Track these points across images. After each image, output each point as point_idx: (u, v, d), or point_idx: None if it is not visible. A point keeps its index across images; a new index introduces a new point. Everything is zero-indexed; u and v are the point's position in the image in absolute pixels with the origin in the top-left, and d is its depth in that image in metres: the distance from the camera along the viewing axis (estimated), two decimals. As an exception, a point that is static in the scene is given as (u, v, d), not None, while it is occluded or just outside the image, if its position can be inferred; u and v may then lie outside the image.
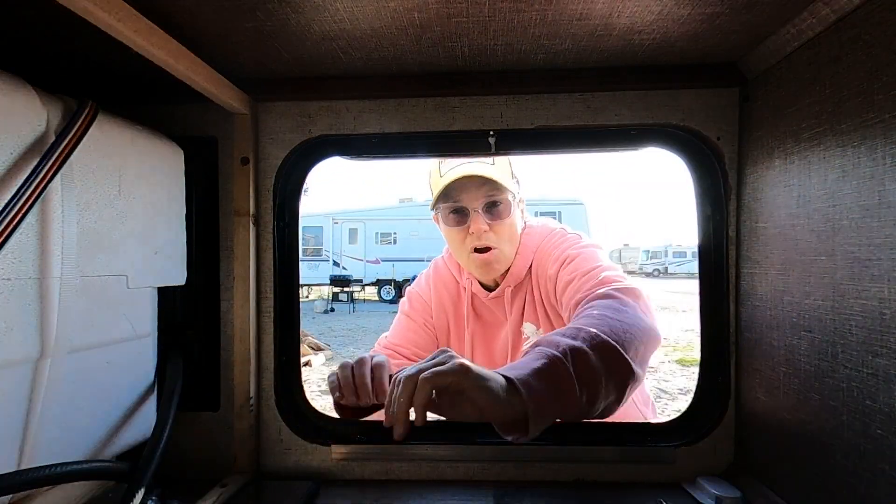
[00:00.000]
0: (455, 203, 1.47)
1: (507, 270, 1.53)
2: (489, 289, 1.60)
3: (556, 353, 0.88)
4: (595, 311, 1.04)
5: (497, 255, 1.48)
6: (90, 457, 0.88)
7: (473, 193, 1.45)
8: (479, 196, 1.45)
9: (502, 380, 0.84)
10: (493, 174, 1.43)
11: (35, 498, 0.82)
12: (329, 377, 1.12)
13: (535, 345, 0.94)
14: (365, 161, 1.28)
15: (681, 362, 8.31)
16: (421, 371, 0.84)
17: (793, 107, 0.89)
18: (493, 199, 1.45)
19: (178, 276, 1.08)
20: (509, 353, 1.57)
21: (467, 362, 0.84)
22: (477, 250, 1.47)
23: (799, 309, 0.88)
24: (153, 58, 0.83)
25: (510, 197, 1.47)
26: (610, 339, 0.93)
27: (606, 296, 1.11)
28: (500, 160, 1.49)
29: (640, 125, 1.11)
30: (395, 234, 21.32)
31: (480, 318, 1.64)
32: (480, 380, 0.82)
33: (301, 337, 1.33)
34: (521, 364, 0.89)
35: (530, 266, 1.53)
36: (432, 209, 1.56)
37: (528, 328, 1.53)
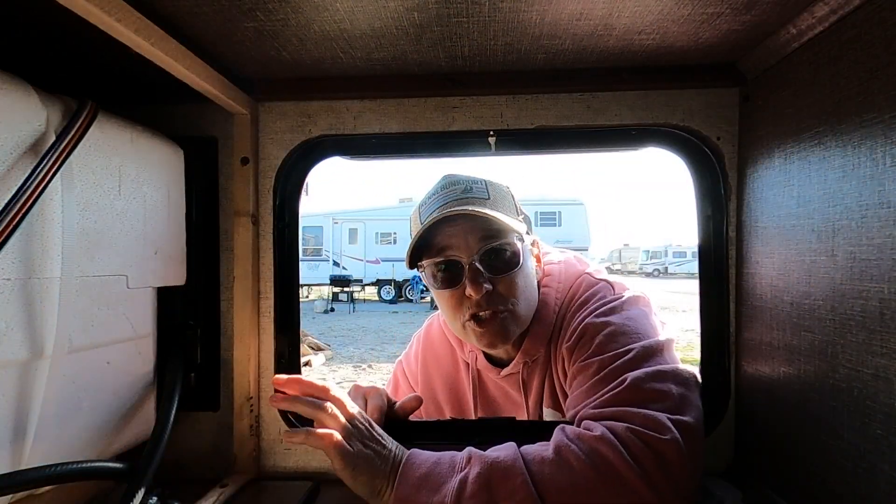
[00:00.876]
0: (441, 257, 1.08)
1: (522, 336, 1.13)
2: (499, 363, 1.21)
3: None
4: (560, 469, 0.80)
5: (506, 322, 1.07)
6: (90, 457, 0.88)
7: (465, 240, 1.06)
8: (473, 243, 1.06)
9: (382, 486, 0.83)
10: (488, 210, 1.05)
11: (35, 498, 0.82)
12: None
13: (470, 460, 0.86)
14: (365, 161, 1.28)
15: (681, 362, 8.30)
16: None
17: (793, 107, 0.89)
18: (492, 246, 1.05)
19: (178, 276, 1.08)
20: None
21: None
22: (475, 318, 1.07)
23: (799, 309, 0.88)
24: (153, 58, 0.83)
25: (516, 239, 1.08)
26: None
27: (595, 452, 0.80)
28: (499, 191, 1.14)
29: (640, 125, 1.11)
30: (395, 234, 21.33)
31: (490, 402, 1.28)
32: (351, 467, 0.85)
33: (301, 337, 1.33)
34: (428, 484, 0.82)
35: (551, 334, 1.13)
36: (413, 267, 1.16)
37: (549, 415, 1.17)
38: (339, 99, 1.14)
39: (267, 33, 0.91)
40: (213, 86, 0.98)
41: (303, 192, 1.21)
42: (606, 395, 0.87)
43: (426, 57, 1.01)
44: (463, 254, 1.06)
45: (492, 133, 1.13)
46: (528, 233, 1.16)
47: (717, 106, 1.09)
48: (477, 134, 1.14)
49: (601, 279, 1.13)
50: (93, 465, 0.81)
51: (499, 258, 1.07)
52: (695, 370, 0.97)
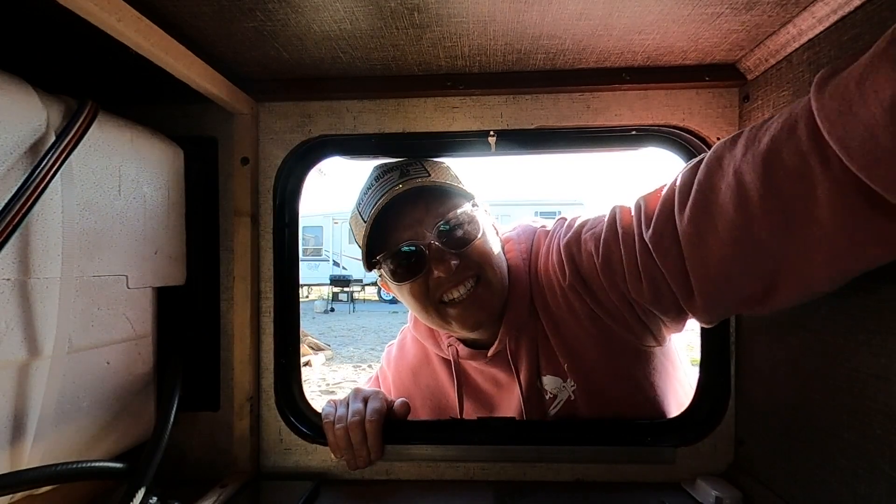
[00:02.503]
0: (399, 246, 1.01)
1: (502, 308, 1.08)
2: (482, 345, 1.15)
3: None
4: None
5: (481, 293, 1.02)
6: (90, 457, 0.88)
7: (420, 225, 1.01)
8: (428, 224, 1.00)
9: None
10: (435, 182, 1.00)
11: (35, 498, 0.82)
12: (324, 409, 1.08)
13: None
14: (365, 161, 1.28)
15: (681, 362, 8.29)
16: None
17: (793, 107, 0.89)
18: (448, 219, 1.00)
19: (177, 276, 1.08)
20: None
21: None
22: (451, 302, 1.02)
23: (799, 309, 0.88)
24: (153, 58, 0.83)
25: (471, 205, 1.04)
26: None
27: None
28: (438, 167, 1.08)
29: (640, 125, 1.11)
30: (395, 234, 21.24)
31: (479, 394, 1.22)
32: None
33: (301, 337, 1.33)
34: None
35: (531, 295, 1.08)
36: (371, 270, 1.09)
37: (550, 383, 1.11)
38: (339, 99, 1.14)
39: (267, 33, 0.91)
40: (213, 86, 0.98)
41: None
42: (644, 213, 0.85)
43: (426, 57, 1.01)
44: (419, 238, 1.02)
45: (492, 133, 1.13)
46: (476, 204, 1.13)
47: (717, 106, 1.09)
48: (477, 134, 1.14)
49: (556, 220, 1.13)
50: (93, 465, 0.81)
51: (459, 230, 1.02)
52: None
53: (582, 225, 1.02)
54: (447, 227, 1.01)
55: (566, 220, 1.10)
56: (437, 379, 1.28)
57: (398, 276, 1.05)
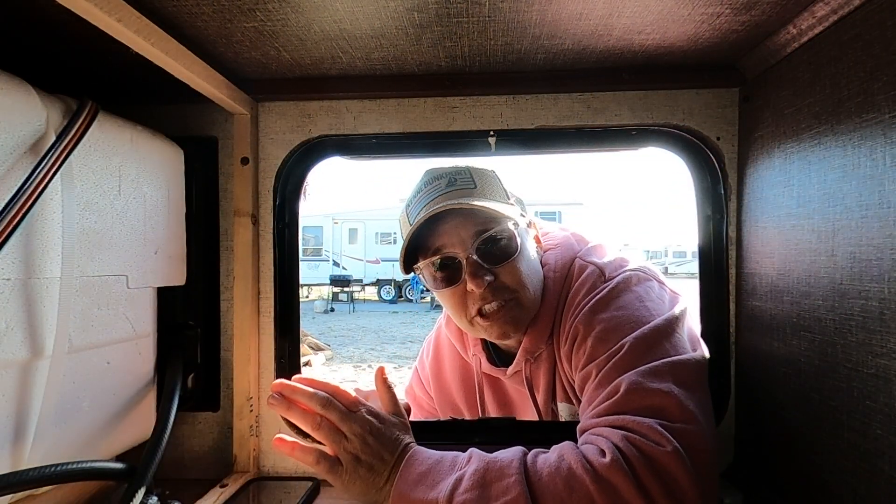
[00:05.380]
0: (436, 255, 1.04)
1: (525, 331, 1.09)
2: (504, 361, 1.18)
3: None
4: (558, 480, 0.78)
5: (512, 310, 1.04)
6: (90, 457, 0.88)
7: (458, 235, 1.02)
8: (466, 236, 1.01)
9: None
10: (476, 201, 1.01)
11: (35, 498, 0.82)
12: None
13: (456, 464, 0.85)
14: (365, 161, 1.28)
15: (681, 362, 8.26)
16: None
17: (793, 107, 0.89)
18: (487, 236, 1.01)
19: (178, 275, 1.08)
20: None
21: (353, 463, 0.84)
22: (481, 313, 1.04)
23: (799, 309, 0.88)
24: (153, 58, 0.83)
25: (511, 225, 1.03)
26: None
27: (603, 479, 0.76)
28: (485, 177, 1.09)
29: (640, 125, 1.11)
30: (395, 234, 21.30)
31: (503, 403, 1.26)
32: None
33: (301, 337, 1.33)
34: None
35: (552, 327, 1.08)
36: (409, 272, 1.12)
37: (564, 409, 1.13)
38: (339, 99, 1.14)
39: (267, 33, 0.91)
40: (213, 86, 0.98)
41: (302, 196, 1.20)
42: (604, 404, 0.85)
43: (426, 57, 1.01)
44: (458, 249, 1.02)
45: (492, 133, 1.13)
46: (522, 214, 1.12)
47: (717, 106, 1.09)
48: (477, 134, 1.14)
49: (590, 262, 1.06)
50: (93, 465, 0.81)
51: (496, 247, 1.03)
52: (703, 346, 0.93)
53: (597, 321, 0.96)
54: (485, 243, 1.02)
55: (603, 274, 1.03)
56: (470, 371, 1.29)
57: (437, 282, 1.07)
